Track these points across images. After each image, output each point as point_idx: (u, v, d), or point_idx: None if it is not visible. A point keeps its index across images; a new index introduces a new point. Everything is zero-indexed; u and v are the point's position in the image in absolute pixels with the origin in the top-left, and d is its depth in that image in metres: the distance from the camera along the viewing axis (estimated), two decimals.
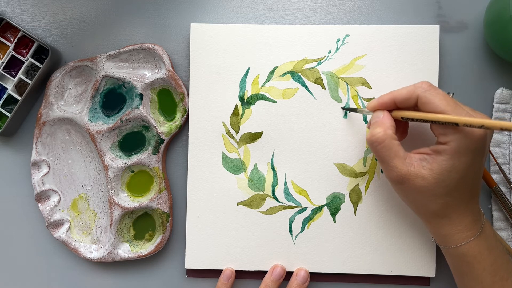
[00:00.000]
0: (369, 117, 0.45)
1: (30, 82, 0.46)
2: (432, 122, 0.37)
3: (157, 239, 0.46)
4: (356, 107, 0.45)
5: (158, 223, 0.47)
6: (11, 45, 0.46)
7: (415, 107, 0.38)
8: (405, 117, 0.39)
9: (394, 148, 0.37)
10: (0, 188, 0.49)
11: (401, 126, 0.42)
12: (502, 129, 0.34)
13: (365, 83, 0.45)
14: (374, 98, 0.41)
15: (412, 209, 0.40)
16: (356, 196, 0.45)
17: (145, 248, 0.47)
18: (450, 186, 0.36)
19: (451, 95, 0.40)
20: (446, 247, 0.39)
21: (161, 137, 0.46)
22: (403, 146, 0.38)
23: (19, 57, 0.46)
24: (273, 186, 0.46)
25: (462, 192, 0.37)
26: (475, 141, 0.35)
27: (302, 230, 0.45)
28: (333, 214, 0.45)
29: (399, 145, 0.38)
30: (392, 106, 0.40)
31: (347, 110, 0.45)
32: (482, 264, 0.37)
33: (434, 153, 0.37)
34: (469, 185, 0.37)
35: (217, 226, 0.46)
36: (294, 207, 0.45)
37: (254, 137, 0.46)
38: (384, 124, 0.38)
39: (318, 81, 0.45)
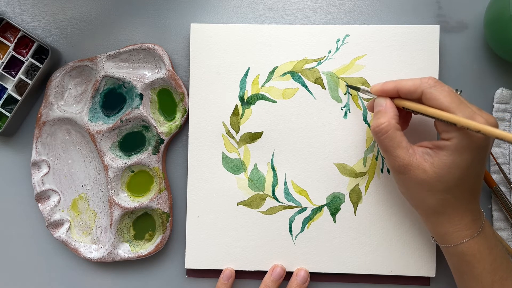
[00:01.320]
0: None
1: (30, 82, 0.46)
2: (432, 117, 0.37)
3: (157, 239, 0.46)
4: (356, 106, 0.45)
5: (158, 223, 0.47)
6: (11, 45, 0.46)
7: (419, 100, 0.38)
8: (406, 107, 0.39)
9: (397, 138, 0.38)
10: (0, 188, 0.49)
11: (402, 116, 0.42)
12: (498, 138, 0.34)
13: (365, 83, 0.45)
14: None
15: (412, 204, 0.40)
16: (356, 196, 0.45)
17: (145, 248, 0.47)
18: (450, 183, 0.36)
19: (459, 92, 0.39)
20: (446, 246, 0.39)
21: (161, 137, 0.46)
22: None
23: (19, 57, 0.46)
24: (273, 186, 0.46)
25: (462, 191, 0.37)
26: (476, 140, 0.36)
27: (302, 230, 0.45)
28: (333, 214, 0.45)
29: (402, 135, 0.38)
30: (395, 95, 0.40)
31: (350, 87, 0.45)
32: (481, 263, 0.37)
33: (436, 148, 0.37)
34: (469, 184, 0.37)
35: (217, 226, 0.46)
36: (294, 207, 0.45)
37: (254, 137, 0.46)
38: (388, 114, 0.39)
39: (318, 81, 0.45)
